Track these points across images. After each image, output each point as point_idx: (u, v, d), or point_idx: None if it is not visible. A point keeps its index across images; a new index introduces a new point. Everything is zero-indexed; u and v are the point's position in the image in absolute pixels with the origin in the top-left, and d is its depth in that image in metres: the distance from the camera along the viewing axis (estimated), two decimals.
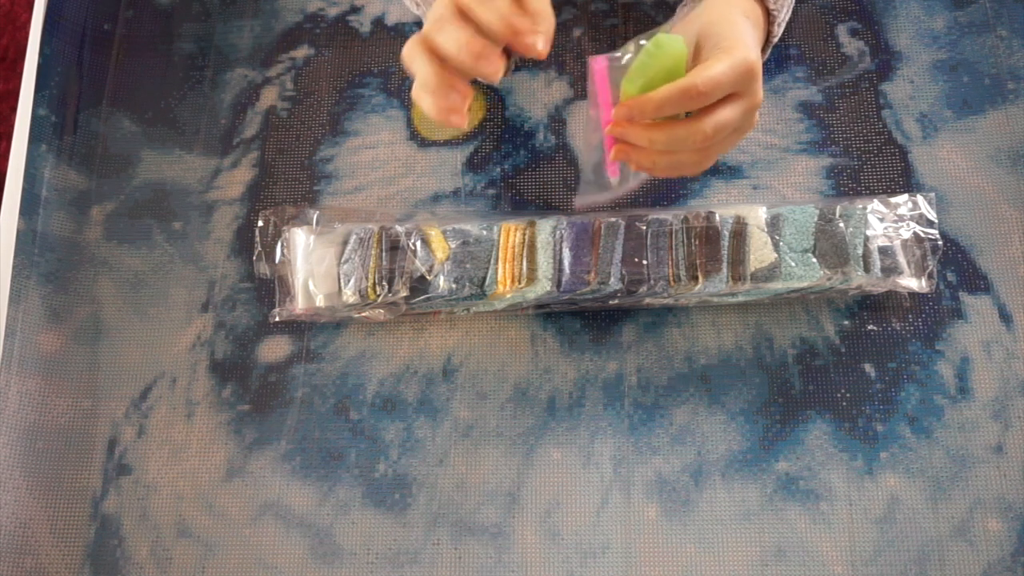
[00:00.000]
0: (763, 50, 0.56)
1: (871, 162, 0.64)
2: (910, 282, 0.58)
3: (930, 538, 0.55)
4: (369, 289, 0.59)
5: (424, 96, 0.45)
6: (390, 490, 0.59)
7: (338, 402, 0.62)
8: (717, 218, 0.58)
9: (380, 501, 0.59)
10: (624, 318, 0.62)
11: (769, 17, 0.55)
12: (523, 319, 0.62)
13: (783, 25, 0.57)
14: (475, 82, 0.69)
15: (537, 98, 0.68)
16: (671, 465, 0.58)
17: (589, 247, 0.58)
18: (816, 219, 0.58)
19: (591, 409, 0.60)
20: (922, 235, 0.58)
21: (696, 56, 0.49)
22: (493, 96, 0.69)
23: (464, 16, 0.44)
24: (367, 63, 0.71)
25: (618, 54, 0.50)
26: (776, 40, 0.57)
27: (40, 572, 0.59)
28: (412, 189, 0.67)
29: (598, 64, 0.50)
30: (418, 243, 0.59)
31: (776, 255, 0.57)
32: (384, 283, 0.58)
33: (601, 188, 0.54)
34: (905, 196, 0.59)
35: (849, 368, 0.59)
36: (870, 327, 0.60)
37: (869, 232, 0.57)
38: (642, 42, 0.49)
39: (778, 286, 0.57)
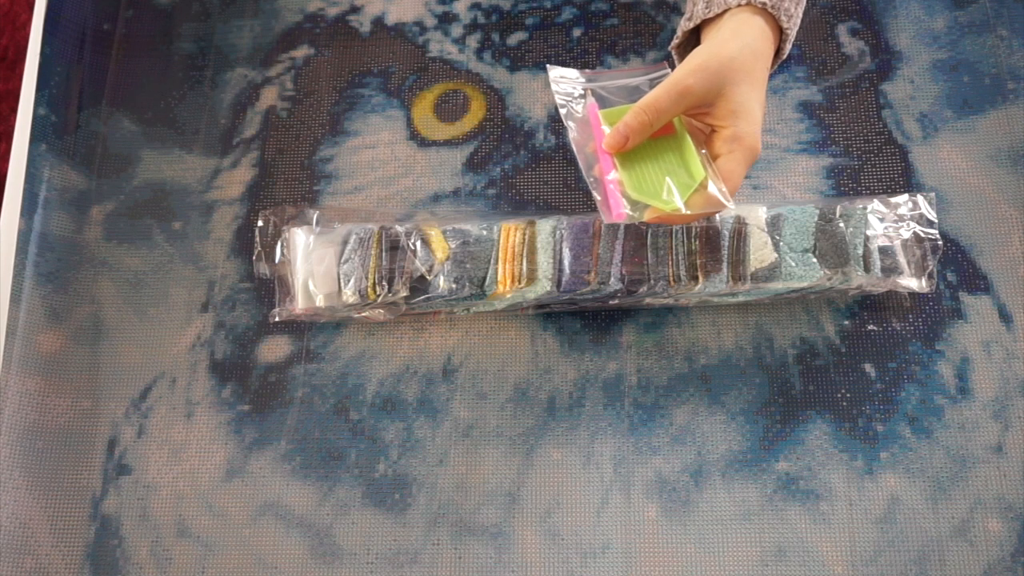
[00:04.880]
0: (771, 64, 0.56)
1: (871, 162, 0.64)
2: (910, 282, 0.58)
3: (930, 538, 0.55)
4: (369, 289, 0.58)
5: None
6: (390, 490, 0.59)
7: (338, 402, 0.62)
8: (717, 218, 0.58)
9: (380, 501, 0.59)
10: (624, 318, 0.62)
11: (782, 35, 0.56)
12: (523, 319, 0.62)
13: (791, 40, 0.57)
14: (475, 81, 0.69)
15: (537, 98, 0.68)
16: (671, 465, 0.58)
17: (589, 247, 0.58)
18: (816, 219, 0.58)
19: (591, 409, 0.60)
20: (922, 235, 0.58)
21: (718, 100, 0.51)
22: (493, 96, 0.69)
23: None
24: (367, 63, 0.71)
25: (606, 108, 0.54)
26: (785, 56, 0.57)
27: (40, 572, 0.59)
28: (412, 189, 0.66)
29: (592, 108, 0.53)
30: (418, 243, 0.59)
31: (776, 255, 0.57)
32: (384, 283, 0.58)
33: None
34: (905, 196, 0.59)
35: (849, 368, 0.59)
36: (870, 327, 0.60)
37: (869, 232, 0.57)
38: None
39: (778, 286, 0.57)
